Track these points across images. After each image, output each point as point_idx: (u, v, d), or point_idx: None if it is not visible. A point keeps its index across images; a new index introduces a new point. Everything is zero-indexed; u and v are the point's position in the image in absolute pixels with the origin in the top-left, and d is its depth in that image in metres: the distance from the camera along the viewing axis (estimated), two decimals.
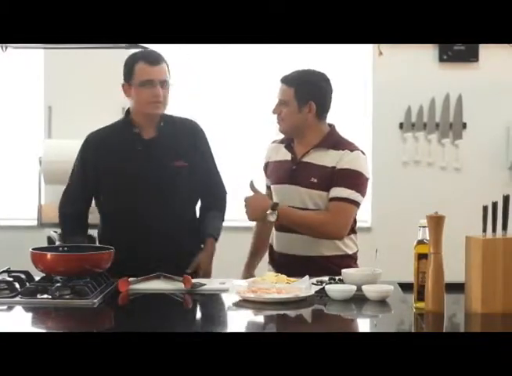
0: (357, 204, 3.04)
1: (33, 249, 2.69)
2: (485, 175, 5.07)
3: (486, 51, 4.98)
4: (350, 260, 3.11)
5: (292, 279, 2.73)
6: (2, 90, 5.19)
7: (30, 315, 2.48)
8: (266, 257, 3.30)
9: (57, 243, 4.41)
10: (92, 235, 3.29)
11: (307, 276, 2.70)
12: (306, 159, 3.11)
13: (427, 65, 5.05)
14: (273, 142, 3.30)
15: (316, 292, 2.59)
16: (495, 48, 4.87)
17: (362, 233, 3.39)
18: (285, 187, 3.12)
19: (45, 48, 4.36)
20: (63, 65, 4.95)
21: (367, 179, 3.11)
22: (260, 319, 2.49)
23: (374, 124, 5.11)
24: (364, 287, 2.57)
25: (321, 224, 3.02)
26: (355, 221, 3.12)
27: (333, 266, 2.97)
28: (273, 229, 3.20)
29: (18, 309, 2.48)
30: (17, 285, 2.63)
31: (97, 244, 3.17)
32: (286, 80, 3.10)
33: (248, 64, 5.17)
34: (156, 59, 3.03)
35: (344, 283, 2.68)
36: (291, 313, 2.48)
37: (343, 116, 4.34)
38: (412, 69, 5.03)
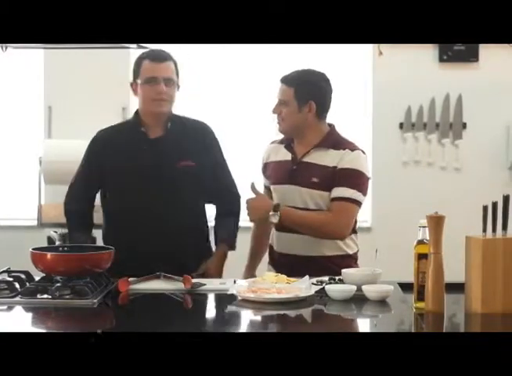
0: (359, 203, 3.04)
1: (33, 249, 2.69)
2: (485, 175, 5.07)
3: (486, 51, 4.98)
4: (351, 260, 3.11)
5: (292, 279, 2.73)
6: (2, 90, 5.19)
7: (30, 315, 2.47)
8: (266, 257, 3.30)
9: (57, 243, 4.42)
10: (93, 235, 3.29)
11: (307, 276, 2.70)
12: (307, 159, 3.11)
13: (427, 65, 5.05)
14: (272, 142, 3.30)
15: (316, 292, 2.59)
16: (495, 48, 4.87)
17: (362, 233, 3.39)
18: (285, 187, 3.12)
19: (45, 48, 4.36)
20: (63, 65, 4.95)
21: (368, 179, 3.11)
22: (260, 319, 2.49)
23: (374, 124, 5.11)
24: (364, 287, 2.57)
25: (323, 224, 3.02)
26: (355, 221, 3.12)
27: (334, 266, 2.97)
28: (273, 229, 3.20)
29: (18, 309, 2.48)
30: (17, 285, 2.63)
31: (97, 244, 3.17)
32: (286, 80, 3.10)
33: (248, 64, 5.17)
34: (161, 57, 3.03)
35: (344, 283, 2.68)
36: (291, 313, 2.48)
37: (343, 116, 4.33)
38: (412, 69, 5.03)
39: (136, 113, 3.13)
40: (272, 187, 3.21)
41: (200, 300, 2.66)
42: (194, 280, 2.73)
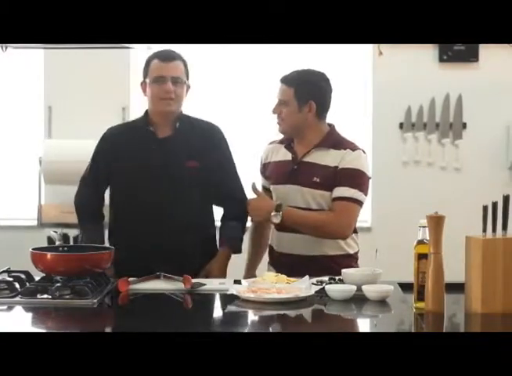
0: (360, 203, 3.04)
1: (33, 249, 2.69)
2: (485, 175, 5.07)
3: (486, 51, 4.98)
4: (351, 260, 3.12)
5: (292, 279, 2.73)
6: (2, 90, 5.19)
7: (30, 315, 2.47)
8: (266, 257, 3.29)
9: (57, 243, 4.42)
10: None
11: (307, 276, 2.70)
12: (307, 159, 3.11)
13: (427, 65, 5.05)
14: (271, 142, 3.30)
15: (316, 292, 2.59)
16: (495, 48, 4.87)
17: (362, 233, 3.38)
18: (287, 187, 3.12)
19: (45, 48, 4.36)
20: (63, 65, 4.95)
21: (369, 178, 3.11)
22: (260, 319, 2.48)
23: (374, 124, 5.11)
24: (364, 287, 2.57)
25: (325, 224, 3.02)
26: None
27: (335, 266, 2.96)
28: (272, 229, 3.20)
29: (18, 309, 2.48)
30: (17, 285, 2.63)
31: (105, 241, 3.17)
32: (285, 80, 3.11)
33: (248, 64, 5.16)
34: (169, 57, 3.04)
35: (344, 283, 2.68)
36: (291, 313, 2.48)
37: (343, 116, 4.33)
38: (412, 69, 5.03)
39: (146, 112, 3.14)
40: (272, 187, 3.20)
41: (200, 300, 2.66)
42: (194, 280, 2.73)
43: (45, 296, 2.54)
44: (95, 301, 2.49)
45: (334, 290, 2.58)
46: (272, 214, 2.99)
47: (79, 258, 2.69)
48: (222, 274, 3.07)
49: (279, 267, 3.05)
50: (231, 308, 2.50)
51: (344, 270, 2.72)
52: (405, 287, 2.67)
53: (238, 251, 3.15)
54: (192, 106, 3.27)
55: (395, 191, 5.08)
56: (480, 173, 5.08)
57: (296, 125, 3.10)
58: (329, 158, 3.07)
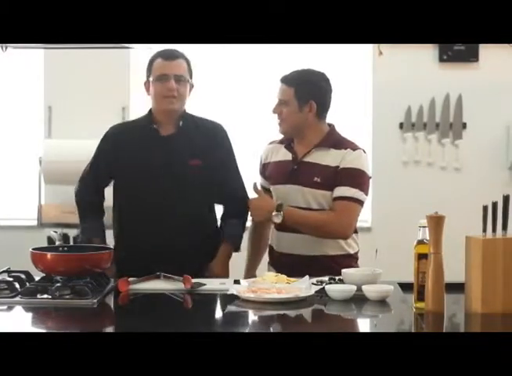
0: (361, 202, 3.05)
1: (33, 249, 2.69)
2: (485, 175, 5.06)
3: (486, 51, 4.98)
4: (352, 260, 3.12)
5: (292, 279, 2.73)
6: (2, 90, 5.19)
7: (30, 315, 2.48)
8: (266, 257, 3.29)
9: (57, 243, 4.42)
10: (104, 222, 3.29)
11: (307, 276, 2.70)
12: (308, 159, 3.11)
13: (427, 65, 5.04)
14: (271, 142, 3.30)
15: (316, 292, 2.59)
16: (495, 48, 4.86)
17: (362, 233, 3.39)
18: (287, 187, 3.12)
19: (45, 48, 4.36)
20: (63, 65, 4.94)
21: (369, 178, 3.12)
22: (260, 319, 2.49)
23: (374, 124, 5.11)
24: (364, 287, 2.57)
25: (326, 224, 3.02)
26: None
27: (335, 266, 2.96)
28: (272, 229, 3.20)
29: (18, 309, 2.48)
30: (17, 285, 2.64)
31: (107, 242, 3.17)
32: (286, 80, 3.11)
33: (248, 64, 5.16)
34: (172, 55, 3.06)
35: (344, 283, 2.68)
36: (291, 313, 2.48)
37: (343, 116, 4.33)
38: (412, 69, 5.03)
39: (149, 111, 3.14)
40: (272, 187, 3.20)
41: (200, 300, 2.66)
42: (194, 280, 2.73)
43: (45, 296, 2.54)
44: (95, 301, 2.49)
45: (334, 290, 2.58)
46: (273, 213, 3.00)
47: (79, 258, 2.69)
48: (225, 272, 3.07)
49: (279, 267, 3.05)
50: (231, 308, 2.50)
51: (344, 270, 2.72)
52: (405, 287, 2.67)
53: (238, 248, 3.15)
54: (193, 105, 3.27)
55: (395, 191, 5.08)
56: (480, 173, 5.07)
57: (296, 125, 3.10)
58: (329, 158, 3.07)
